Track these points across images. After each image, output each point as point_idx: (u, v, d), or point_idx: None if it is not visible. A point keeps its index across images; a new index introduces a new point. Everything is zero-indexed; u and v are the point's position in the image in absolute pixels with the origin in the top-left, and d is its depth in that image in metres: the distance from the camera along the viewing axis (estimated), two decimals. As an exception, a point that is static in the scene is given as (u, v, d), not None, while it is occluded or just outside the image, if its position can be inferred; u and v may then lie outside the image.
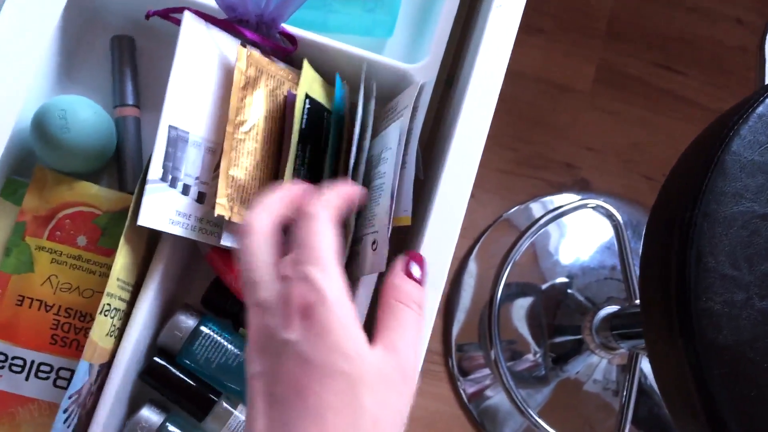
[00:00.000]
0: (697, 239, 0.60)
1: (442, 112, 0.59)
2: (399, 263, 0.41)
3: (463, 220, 0.50)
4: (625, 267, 1.23)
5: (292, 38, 0.54)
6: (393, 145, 0.49)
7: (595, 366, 1.27)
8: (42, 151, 0.52)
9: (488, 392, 1.26)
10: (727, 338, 0.58)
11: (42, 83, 0.54)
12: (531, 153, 1.35)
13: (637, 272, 1.15)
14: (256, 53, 0.53)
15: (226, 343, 0.52)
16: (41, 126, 0.51)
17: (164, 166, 0.48)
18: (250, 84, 0.52)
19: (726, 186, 0.61)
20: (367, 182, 0.50)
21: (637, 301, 1.20)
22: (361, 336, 0.35)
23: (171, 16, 0.52)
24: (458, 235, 0.50)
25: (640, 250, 0.69)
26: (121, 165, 0.56)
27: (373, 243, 0.47)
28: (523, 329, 1.28)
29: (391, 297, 0.38)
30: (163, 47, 0.57)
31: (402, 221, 0.49)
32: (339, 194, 0.41)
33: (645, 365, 1.21)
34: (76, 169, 0.53)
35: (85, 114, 0.52)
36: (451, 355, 1.27)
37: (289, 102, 0.53)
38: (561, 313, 1.29)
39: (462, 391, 1.24)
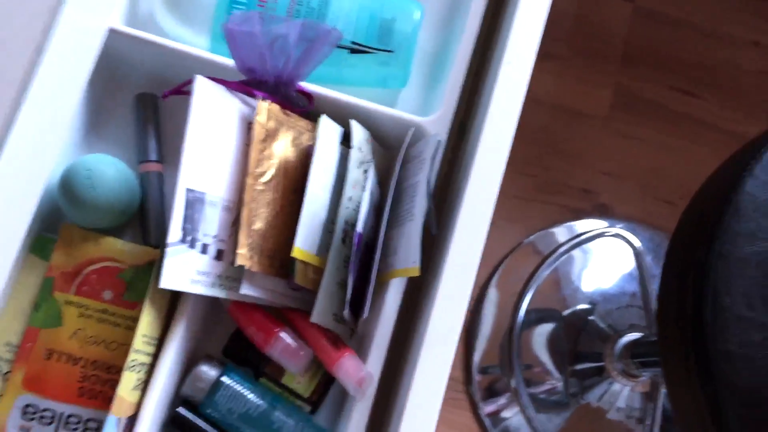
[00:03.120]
0: (712, 280, 0.61)
1: (454, 161, 0.61)
2: None
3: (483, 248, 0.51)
4: (646, 295, 1.23)
5: (308, 95, 0.56)
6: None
7: (618, 393, 1.26)
8: (69, 209, 0.54)
9: (508, 415, 1.26)
10: (745, 379, 0.59)
11: (69, 140, 0.56)
12: (548, 179, 1.35)
13: (658, 300, 1.15)
14: (275, 107, 0.55)
15: (247, 393, 0.53)
16: (68, 186, 0.53)
17: (183, 229, 0.50)
18: (270, 136, 0.54)
19: (740, 226, 0.61)
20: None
21: (658, 330, 1.19)
22: None
23: (185, 90, 0.54)
24: (478, 264, 0.51)
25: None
26: (145, 219, 0.57)
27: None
28: (544, 356, 1.28)
29: None
30: (185, 102, 0.59)
31: (410, 272, 0.50)
32: None
33: (668, 393, 1.21)
34: (102, 225, 0.55)
35: (110, 173, 0.54)
36: (471, 382, 1.27)
37: (309, 154, 0.55)
38: (582, 340, 1.29)
39: (484, 419, 1.24)
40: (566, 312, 1.30)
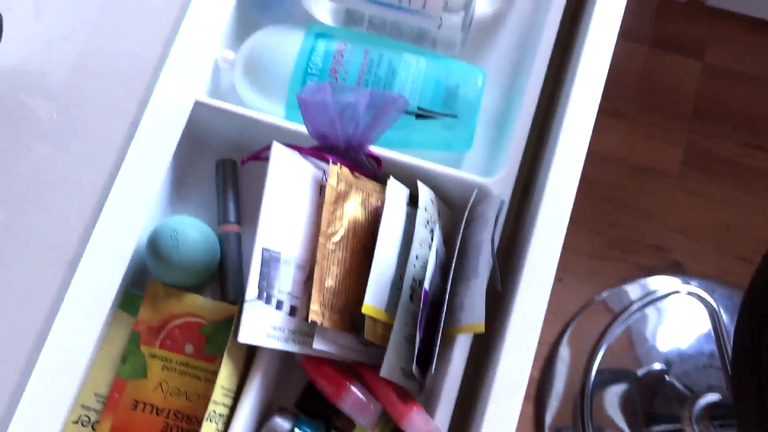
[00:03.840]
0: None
1: (518, 221, 0.62)
2: None
3: (549, 303, 0.52)
4: (724, 356, 1.20)
5: (377, 159, 0.59)
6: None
7: (697, 457, 1.22)
8: (155, 268, 0.58)
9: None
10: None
11: (156, 203, 0.60)
12: (618, 236, 1.34)
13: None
14: (345, 170, 0.58)
15: (318, 446, 0.55)
16: (155, 246, 0.57)
17: (260, 286, 0.53)
18: (340, 197, 0.57)
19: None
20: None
21: (738, 391, 1.15)
22: None
23: (262, 156, 0.58)
24: (543, 318, 0.52)
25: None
26: (224, 277, 0.61)
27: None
28: (618, 418, 1.25)
29: None
30: (262, 166, 0.62)
31: (475, 328, 0.52)
32: None
33: (750, 458, 1.16)
34: (184, 282, 0.59)
35: (194, 234, 0.58)
36: (545, 442, 1.25)
37: (377, 214, 0.58)
38: (658, 401, 1.26)
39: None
40: (641, 372, 1.27)
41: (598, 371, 1.27)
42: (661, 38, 1.43)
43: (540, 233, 0.53)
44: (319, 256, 0.54)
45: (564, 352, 1.30)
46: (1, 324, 0.47)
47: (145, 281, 0.60)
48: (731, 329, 1.25)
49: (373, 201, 0.59)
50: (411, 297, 0.55)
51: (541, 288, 0.52)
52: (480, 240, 0.55)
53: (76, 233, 0.46)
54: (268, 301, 0.53)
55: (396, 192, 0.58)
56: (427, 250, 0.57)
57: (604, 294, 1.32)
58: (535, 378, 1.25)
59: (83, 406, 0.56)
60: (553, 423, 1.26)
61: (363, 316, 0.54)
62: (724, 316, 1.25)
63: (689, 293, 1.25)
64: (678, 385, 1.27)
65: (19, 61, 0.48)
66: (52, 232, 0.45)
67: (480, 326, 0.51)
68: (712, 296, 1.25)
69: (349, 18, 0.64)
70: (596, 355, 1.27)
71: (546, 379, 1.29)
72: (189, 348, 0.58)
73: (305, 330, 0.55)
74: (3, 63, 0.48)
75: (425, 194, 0.58)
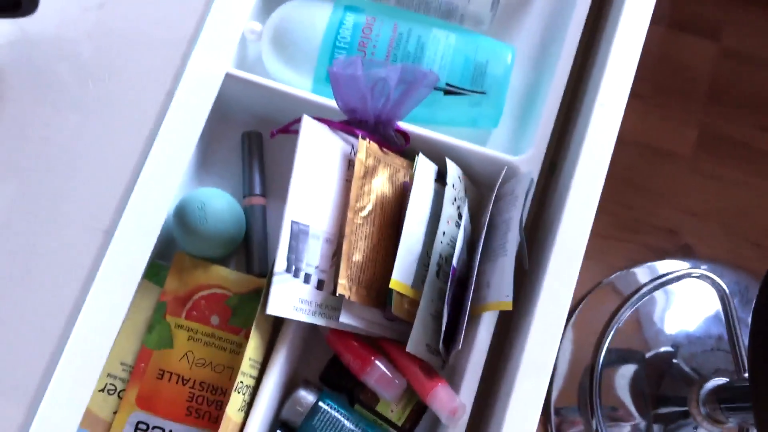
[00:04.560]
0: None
1: (544, 199, 0.62)
2: None
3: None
4: (733, 338, 1.20)
5: (405, 135, 0.58)
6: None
7: (704, 439, 1.23)
8: (182, 239, 0.58)
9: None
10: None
11: (184, 175, 0.60)
12: (631, 218, 1.34)
13: (746, 344, 1.12)
14: (374, 145, 0.58)
15: (343, 419, 0.56)
16: (183, 217, 0.57)
17: (288, 259, 0.53)
18: (369, 173, 0.57)
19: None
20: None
21: (746, 374, 1.16)
22: None
23: (292, 129, 0.58)
24: (571, 298, 0.52)
25: (749, 320, 0.68)
26: (249, 249, 0.61)
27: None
28: (626, 398, 1.25)
29: None
30: (287, 139, 0.62)
31: (503, 306, 0.52)
32: None
33: (757, 440, 1.17)
34: (211, 254, 0.59)
35: (221, 206, 0.58)
36: (550, 421, 1.26)
37: (404, 190, 0.58)
38: (666, 383, 1.27)
39: (563, 461, 1.23)
40: (649, 354, 1.28)
41: (607, 351, 1.27)
42: (678, 20, 1.42)
43: (570, 213, 0.53)
44: (347, 230, 0.54)
45: (570, 333, 1.31)
46: (37, 301, 0.47)
47: (170, 252, 0.60)
48: (741, 313, 1.26)
49: (401, 177, 0.59)
50: (437, 273, 0.55)
51: (570, 267, 0.52)
52: (508, 218, 0.55)
53: (112, 202, 0.46)
54: (296, 274, 0.53)
55: (425, 168, 0.58)
56: (455, 227, 0.57)
57: (613, 276, 1.32)
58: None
59: (109, 375, 0.57)
60: (557, 400, 1.27)
61: (389, 291, 0.54)
62: (735, 300, 1.25)
63: (699, 276, 1.25)
64: (685, 367, 1.28)
65: (55, 29, 0.47)
66: (88, 200, 0.45)
67: (508, 304, 0.51)
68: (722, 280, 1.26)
69: (378, -9, 0.64)
70: (607, 336, 1.28)
71: (553, 358, 1.29)
72: (215, 319, 0.58)
73: (332, 304, 0.55)
74: (40, 31, 0.47)
75: (453, 171, 0.58)
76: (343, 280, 0.54)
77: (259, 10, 0.65)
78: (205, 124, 0.60)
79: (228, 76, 0.59)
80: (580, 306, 1.30)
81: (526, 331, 0.52)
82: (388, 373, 0.55)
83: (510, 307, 0.51)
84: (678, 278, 1.25)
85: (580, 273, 0.51)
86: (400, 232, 0.55)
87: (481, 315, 0.55)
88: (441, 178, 0.59)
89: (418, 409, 0.57)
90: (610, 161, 0.53)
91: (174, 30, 0.47)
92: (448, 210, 0.57)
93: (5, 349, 0.49)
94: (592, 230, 0.52)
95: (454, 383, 0.55)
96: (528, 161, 0.58)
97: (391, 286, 0.54)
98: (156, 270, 0.59)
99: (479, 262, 0.55)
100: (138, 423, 0.56)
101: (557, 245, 0.52)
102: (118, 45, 0.47)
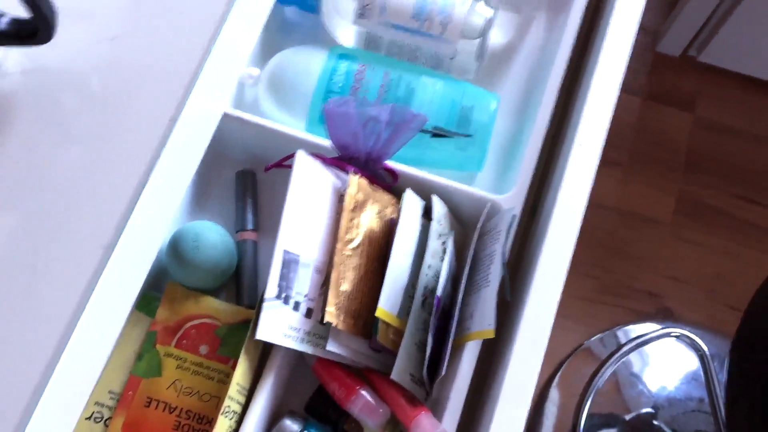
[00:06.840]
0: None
1: (526, 239, 0.65)
2: None
3: (546, 345, 0.54)
4: (713, 400, 1.21)
5: (393, 173, 0.61)
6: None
7: (687, 503, 1.22)
8: (175, 269, 0.60)
9: None
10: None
11: (178, 210, 0.62)
12: (612, 282, 1.37)
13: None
14: (364, 180, 0.60)
15: (327, 448, 0.56)
16: (176, 248, 0.59)
17: (279, 286, 0.55)
18: (358, 206, 0.59)
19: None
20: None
21: (728, 434, 1.16)
22: None
23: (286, 164, 0.60)
24: (542, 360, 0.53)
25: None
26: (239, 281, 0.63)
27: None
28: (609, 461, 1.25)
29: None
30: (280, 177, 0.65)
31: (485, 334, 0.54)
32: None
33: (740, 503, 1.16)
34: (202, 285, 0.61)
35: (214, 239, 0.60)
36: (534, 486, 1.25)
37: (392, 225, 0.60)
38: (647, 446, 1.27)
39: None
40: (629, 416, 1.28)
41: (588, 415, 1.27)
42: (655, 91, 1.49)
43: (549, 245, 0.55)
44: (336, 260, 0.56)
45: (554, 395, 1.31)
46: (24, 330, 0.47)
47: (161, 284, 0.61)
48: (720, 375, 1.27)
49: (389, 212, 0.61)
50: (423, 304, 0.57)
51: (550, 297, 0.54)
52: (491, 251, 0.57)
53: (106, 234, 0.47)
54: (286, 301, 0.55)
55: (412, 203, 0.60)
56: (439, 261, 0.59)
57: (594, 338, 1.34)
58: (527, 419, 1.25)
59: (97, 403, 0.57)
60: (543, 464, 1.26)
61: (375, 322, 0.56)
62: (714, 364, 1.27)
63: (679, 336, 1.27)
64: (666, 429, 1.28)
65: (67, 60, 0.50)
66: (85, 229, 0.46)
67: (490, 332, 0.53)
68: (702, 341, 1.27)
69: (370, 41, 0.68)
70: (586, 399, 1.28)
71: (536, 422, 1.30)
72: (204, 348, 0.59)
73: (320, 333, 0.56)
74: (51, 61, 0.50)
75: (439, 208, 0.61)
76: (331, 308, 0.55)
77: (257, 56, 0.69)
78: (201, 162, 0.62)
79: (225, 116, 0.61)
80: (562, 368, 1.31)
81: (507, 360, 0.53)
82: (372, 401, 0.56)
83: (492, 335, 0.53)
84: (657, 337, 1.27)
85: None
86: (387, 265, 0.57)
87: (465, 345, 0.57)
88: (427, 213, 0.61)
89: (402, 439, 0.58)
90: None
91: (178, 66, 0.50)
92: (434, 244, 0.59)
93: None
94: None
95: (437, 411, 0.56)
96: (511, 199, 0.60)
97: (377, 314, 0.55)
98: (147, 301, 0.60)
99: (463, 294, 0.57)
100: (123, 450, 0.56)
101: (538, 274, 0.54)
102: (125, 78, 0.50)
